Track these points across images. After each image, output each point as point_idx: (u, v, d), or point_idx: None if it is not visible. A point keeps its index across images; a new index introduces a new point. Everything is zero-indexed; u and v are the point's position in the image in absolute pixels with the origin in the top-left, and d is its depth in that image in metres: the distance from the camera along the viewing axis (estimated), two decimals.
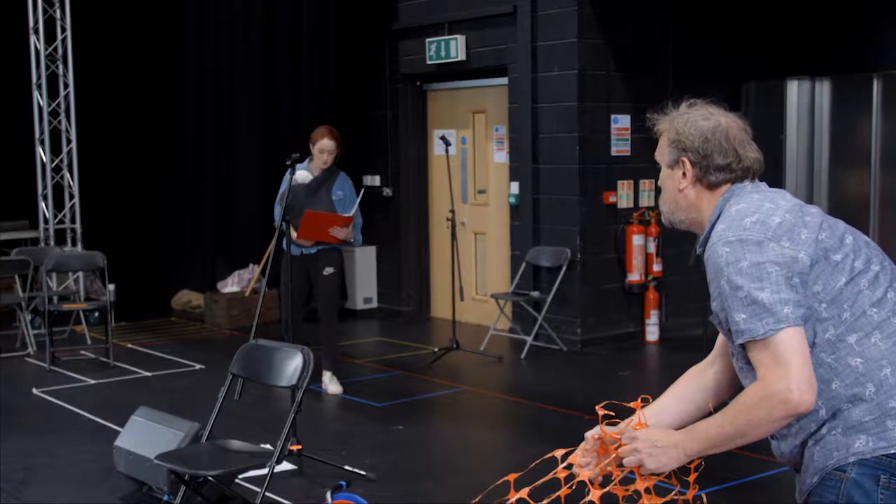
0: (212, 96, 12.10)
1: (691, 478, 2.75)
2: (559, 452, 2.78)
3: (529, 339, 9.90)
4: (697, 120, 2.80)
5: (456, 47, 10.99)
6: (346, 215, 8.07)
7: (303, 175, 7.99)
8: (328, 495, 5.05)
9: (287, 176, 8.10)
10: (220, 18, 11.94)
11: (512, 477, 2.77)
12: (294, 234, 7.82)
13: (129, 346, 10.41)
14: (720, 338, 2.94)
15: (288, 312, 7.80)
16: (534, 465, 2.89)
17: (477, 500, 3.02)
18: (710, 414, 2.72)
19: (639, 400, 2.80)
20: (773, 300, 2.53)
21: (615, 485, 2.72)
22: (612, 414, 2.77)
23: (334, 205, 8.18)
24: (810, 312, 2.59)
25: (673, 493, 2.76)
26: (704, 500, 2.79)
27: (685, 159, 2.80)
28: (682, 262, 10.08)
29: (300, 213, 7.89)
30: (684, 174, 2.82)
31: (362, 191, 8.39)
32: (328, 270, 8.24)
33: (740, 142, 2.79)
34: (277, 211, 8.19)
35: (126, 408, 6.79)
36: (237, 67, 11.89)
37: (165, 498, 5.67)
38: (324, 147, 8.15)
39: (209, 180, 12.23)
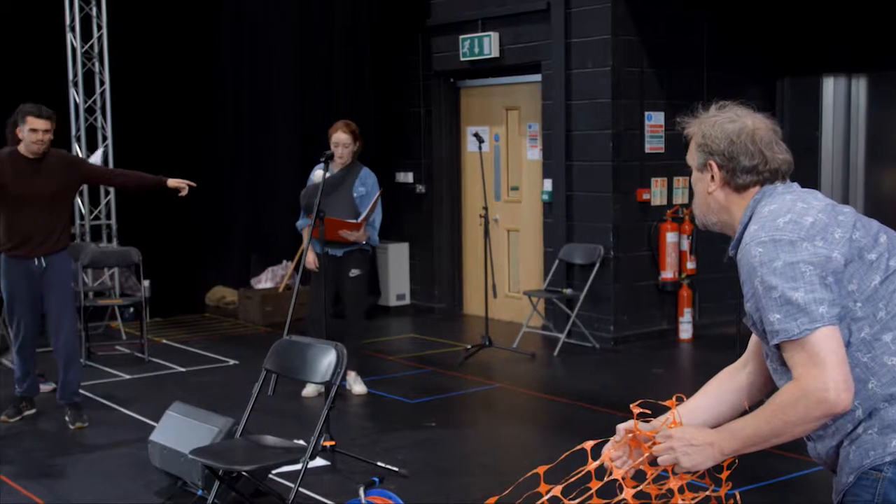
0: (246, 94, 12.15)
1: (724, 475, 2.74)
2: (589, 444, 2.78)
3: (562, 337, 9.88)
4: (723, 123, 2.79)
5: (489, 44, 10.98)
6: (355, 221, 7.88)
7: (318, 175, 7.91)
8: (361, 491, 5.05)
9: (311, 175, 8.12)
10: (254, 16, 11.99)
11: (542, 469, 2.77)
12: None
13: (164, 341, 10.47)
14: (753, 339, 2.92)
15: (317, 311, 7.80)
16: (563, 456, 2.89)
17: (507, 491, 3.02)
18: (745, 413, 2.72)
19: (673, 398, 2.80)
20: (808, 300, 2.52)
21: (648, 483, 2.71)
22: (648, 412, 2.77)
23: (355, 202, 8.01)
24: (845, 312, 2.58)
25: (707, 491, 2.75)
26: (738, 498, 2.78)
27: (712, 162, 2.80)
28: (716, 259, 9.98)
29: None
30: (712, 177, 2.81)
31: (380, 191, 8.13)
32: (354, 272, 8.08)
33: (767, 143, 2.77)
34: (302, 214, 8.24)
35: (160, 403, 6.84)
36: (272, 65, 11.94)
37: (200, 493, 5.71)
38: (338, 140, 7.99)
39: (244, 177, 12.30)
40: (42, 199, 7.23)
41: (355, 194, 8.03)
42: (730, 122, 2.78)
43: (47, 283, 7.31)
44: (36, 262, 7.28)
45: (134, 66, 11.42)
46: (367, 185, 8.09)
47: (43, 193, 7.23)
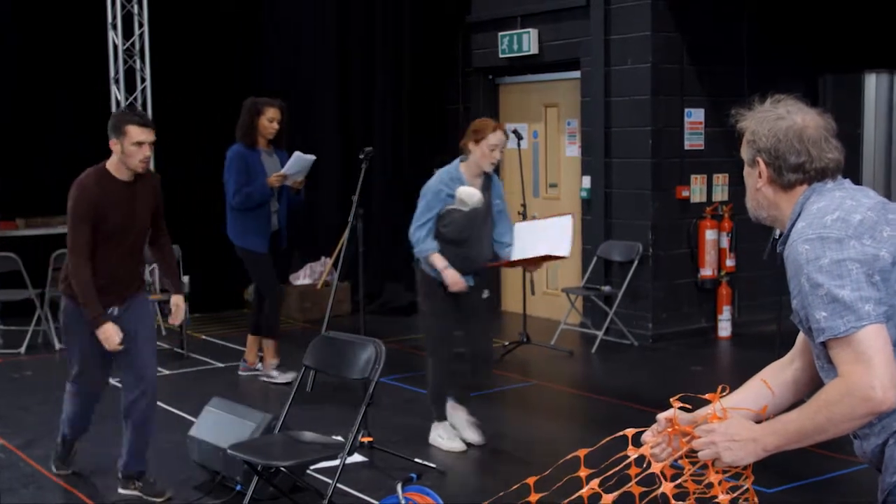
0: (287, 92, 12.17)
1: (748, 470, 2.71)
2: (630, 432, 2.79)
3: (600, 334, 9.85)
4: (772, 119, 2.76)
5: (528, 41, 10.96)
6: (563, 255, 6.68)
7: (476, 198, 6.48)
8: (399, 487, 5.06)
9: (446, 188, 6.67)
10: (295, 14, 12.03)
11: (582, 453, 2.78)
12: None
13: (204, 337, 10.53)
14: (801, 335, 2.89)
15: (449, 350, 6.87)
16: (604, 441, 2.88)
17: (547, 472, 3.02)
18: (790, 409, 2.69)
19: (717, 392, 2.78)
20: (854, 297, 2.49)
21: (686, 480, 2.69)
22: (689, 407, 2.76)
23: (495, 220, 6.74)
24: (893, 311, 2.55)
25: (743, 489, 2.73)
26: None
27: (759, 159, 2.78)
28: (755, 257, 9.94)
29: (475, 240, 6.56)
30: (760, 174, 2.79)
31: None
32: (487, 293, 6.88)
33: (815, 142, 2.73)
34: (420, 237, 6.54)
35: (200, 398, 6.88)
36: (313, 62, 11.99)
37: (238, 487, 5.73)
38: (498, 142, 6.66)
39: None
40: (138, 230, 5.75)
41: (495, 210, 6.74)
42: (779, 119, 2.75)
43: (127, 333, 5.67)
44: (112, 311, 5.70)
45: (175, 63, 11.50)
46: (501, 197, 6.84)
47: (141, 223, 5.75)
